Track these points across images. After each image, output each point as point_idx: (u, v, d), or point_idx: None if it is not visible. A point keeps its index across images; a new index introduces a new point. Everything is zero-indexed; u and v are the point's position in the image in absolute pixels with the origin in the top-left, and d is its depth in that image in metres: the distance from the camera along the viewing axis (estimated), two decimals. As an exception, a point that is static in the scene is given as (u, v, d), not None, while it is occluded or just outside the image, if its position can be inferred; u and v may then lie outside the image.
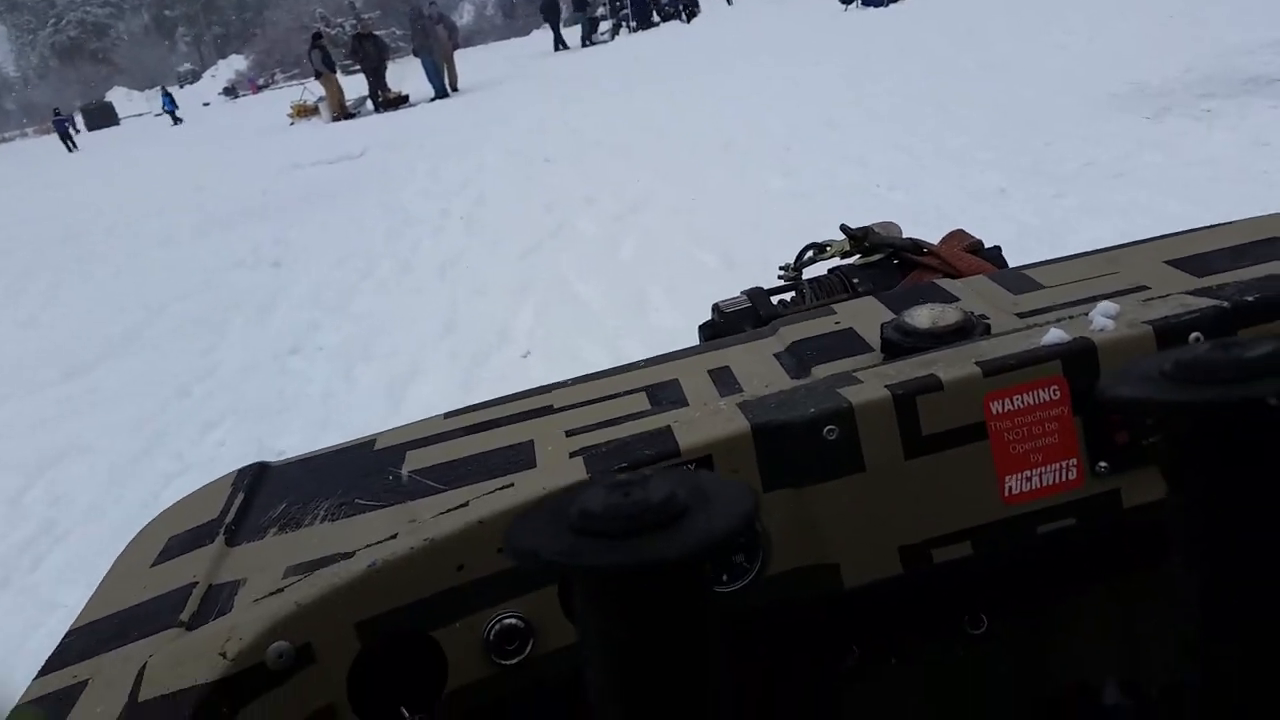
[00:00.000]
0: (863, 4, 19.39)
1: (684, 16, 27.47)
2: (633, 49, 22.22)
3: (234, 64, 76.47)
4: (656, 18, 28.22)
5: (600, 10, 33.31)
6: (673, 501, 0.40)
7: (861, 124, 7.62)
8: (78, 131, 40.70)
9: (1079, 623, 0.85)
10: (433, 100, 19.97)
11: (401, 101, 20.44)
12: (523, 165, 9.06)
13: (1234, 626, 0.42)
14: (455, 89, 21.03)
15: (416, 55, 20.60)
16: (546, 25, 29.30)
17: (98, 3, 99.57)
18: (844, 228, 1.36)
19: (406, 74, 22.15)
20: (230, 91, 60.81)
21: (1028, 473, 0.72)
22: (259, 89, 57.14)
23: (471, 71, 22.50)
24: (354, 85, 21.48)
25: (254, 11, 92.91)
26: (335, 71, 20.44)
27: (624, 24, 28.58)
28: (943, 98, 7.86)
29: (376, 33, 23.05)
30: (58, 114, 38.59)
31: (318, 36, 20.47)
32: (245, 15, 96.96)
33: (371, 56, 20.58)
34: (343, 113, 20.24)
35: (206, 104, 55.90)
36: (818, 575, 0.73)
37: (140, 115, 58.78)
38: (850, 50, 12.42)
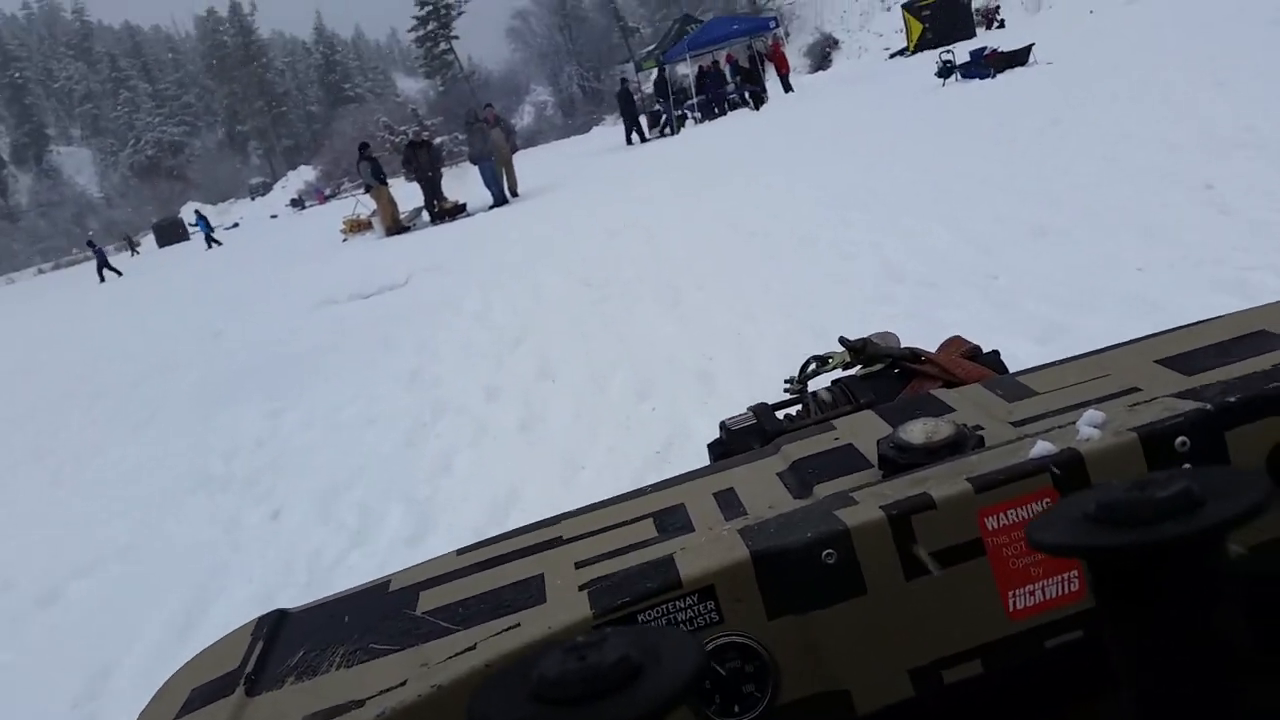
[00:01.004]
0: (962, 76, 17.25)
1: (751, 103, 25.66)
2: (694, 143, 20.32)
3: (303, 174, 77.27)
4: (718, 108, 26.45)
5: (658, 105, 31.92)
6: (625, 663, 0.42)
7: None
8: (136, 252, 39.38)
9: None
10: (491, 208, 18.22)
11: (459, 211, 18.71)
12: (595, 303, 6.91)
13: None
14: (515, 194, 19.30)
15: (474, 163, 18.91)
16: (615, 119, 27.83)
17: (174, 122, 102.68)
18: (843, 340, 1.35)
19: (465, 180, 20.52)
20: (298, 203, 60.83)
21: (1030, 586, 0.71)
22: (325, 199, 56.90)
23: (532, 174, 20.83)
24: (413, 194, 19.87)
25: (322, 123, 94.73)
26: (386, 184, 18.83)
27: (689, 115, 26.84)
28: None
29: (433, 139, 21.58)
30: (91, 244, 36.49)
31: (364, 147, 18.92)
32: (315, 127, 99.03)
33: (425, 165, 18.97)
34: (396, 226, 18.57)
35: (274, 216, 55.97)
36: (829, 703, 0.70)
37: (213, 229, 59.01)
38: (950, 145, 10.17)
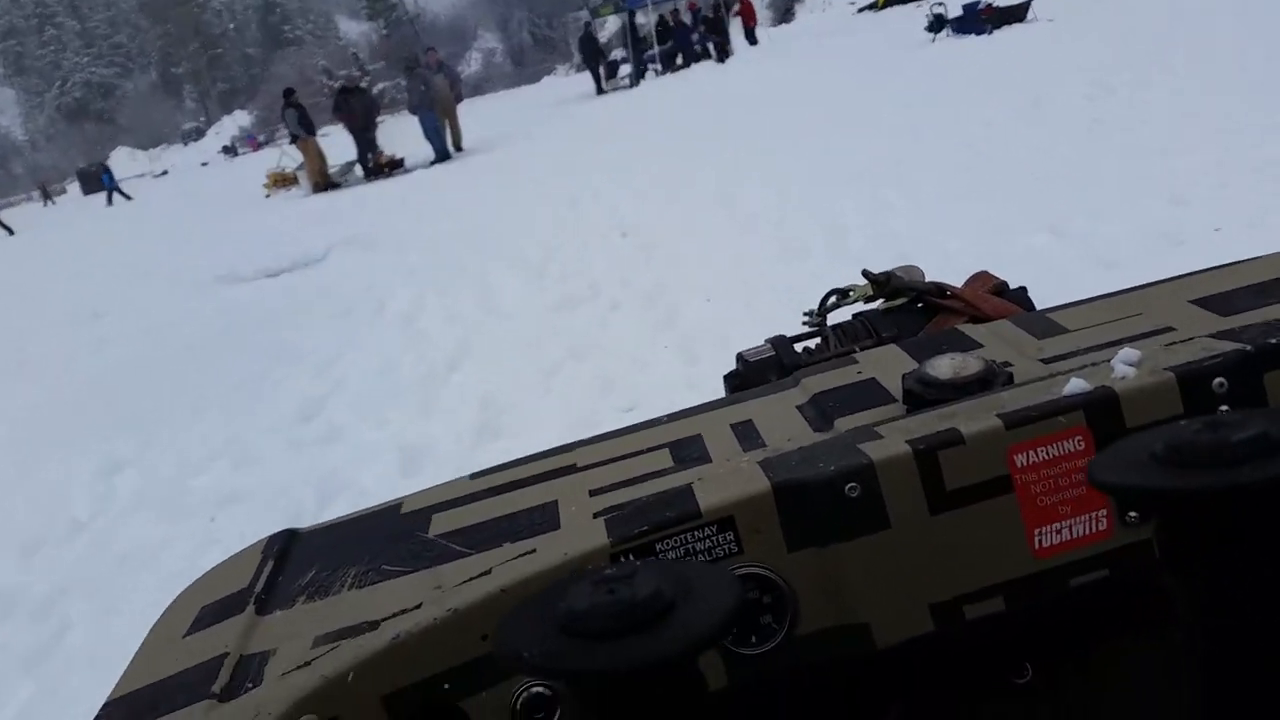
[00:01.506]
0: (954, 31, 15.60)
1: (716, 54, 23.74)
2: (659, 98, 18.47)
3: (239, 120, 73.28)
4: (681, 59, 24.44)
5: (617, 53, 29.65)
6: (657, 598, 0.41)
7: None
8: (52, 201, 35.85)
9: (1120, 673, 0.78)
10: (432, 164, 16.31)
11: (395, 166, 16.74)
12: (556, 310, 5.18)
13: (1233, 703, 0.43)
14: (459, 148, 17.38)
15: (413, 113, 16.90)
16: (567, 69, 25.82)
17: (104, 63, 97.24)
18: (866, 273, 1.27)
19: (405, 131, 18.44)
20: (230, 150, 57.43)
21: (1057, 525, 0.69)
22: (259, 146, 53.57)
23: (478, 125, 18.84)
24: (349, 145, 17.77)
25: (260, 67, 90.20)
26: (314, 134, 16.76)
27: (649, 66, 24.84)
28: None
29: (369, 85, 19.52)
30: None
31: (289, 93, 16.81)
32: (252, 70, 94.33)
33: (358, 114, 16.93)
34: (325, 182, 16.55)
35: (205, 164, 52.68)
36: (848, 635, 0.69)
37: (141, 176, 55.69)
38: (978, 112, 8.56)
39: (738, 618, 0.43)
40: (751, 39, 26.00)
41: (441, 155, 16.51)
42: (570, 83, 35.31)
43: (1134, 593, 0.72)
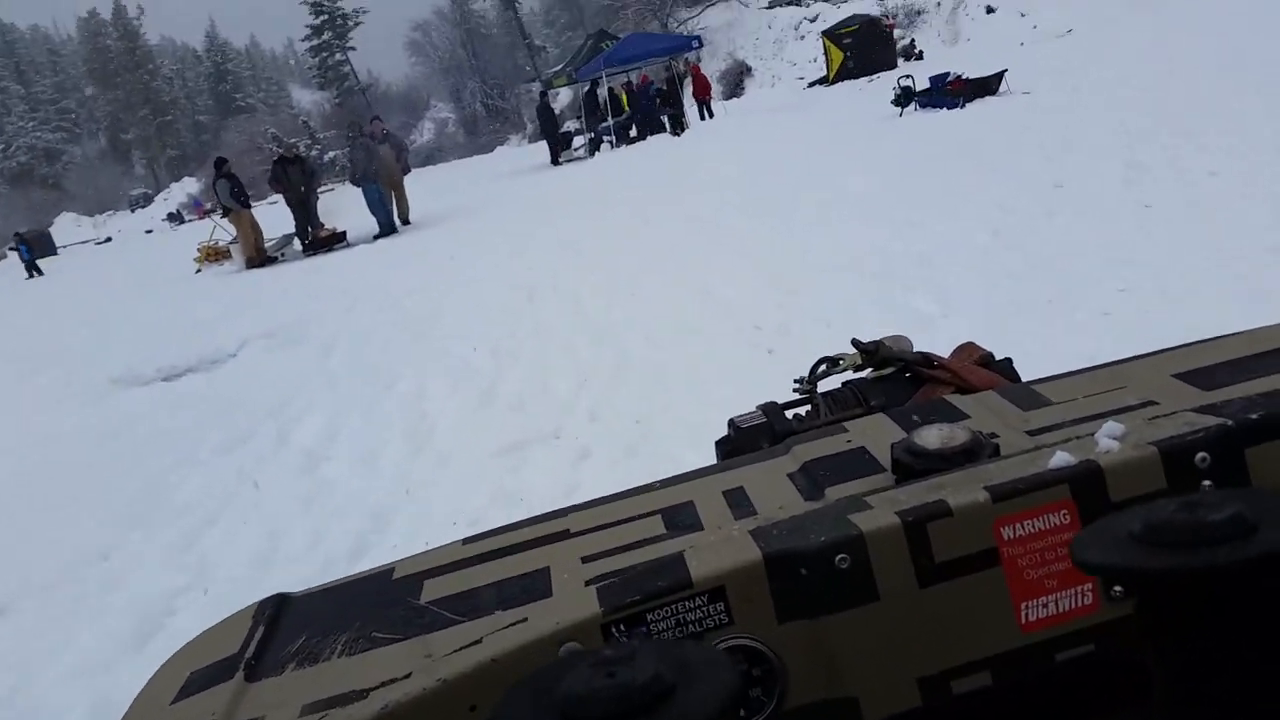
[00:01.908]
0: (922, 106, 14.84)
1: (670, 127, 22.94)
2: (618, 170, 17.52)
3: (186, 186, 71.43)
4: (635, 131, 23.52)
5: (570, 124, 28.82)
6: (658, 682, 0.40)
7: None
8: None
9: None
10: (376, 239, 15.13)
11: (337, 240, 15.50)
12: (509, 456, 3.94)
13: None
14: (407, 221, 16.23)
15: (356, 184, 15.74)
16: (519, 139, 24.97)
17: (50, 128, 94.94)
18: (855, 342, 1.30)
19: (352, 203, 17.23)
20: (175, 217, 55.71)
21: (1043, 599, 0.68)
22: (206, 213, 51.87)
23: (428, 196, 17.74)
24: (284, 219, 16.49)
25: (211, 134, 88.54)
26: (249, 206, 15.50)
27: (604, 138, 23.94)
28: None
29: (306, 153, 18.45)
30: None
31: (221, 163, 15.53)
32: (203, 137, 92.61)
33: (296, 185, 15.73)
34: (259, 256, 15.25)
35: (149, 231, 50.85)
36: (836, 709, 0.68)
37: (85, 243, 53.68)
38: (994, 194, 7.61)
39: (738, 702, 0.40)
40: (705, 112, 25.18)
41: (386, 229, 15.35)
42: (523, 152, 34.49)
43: (1118, 669, 0.71)
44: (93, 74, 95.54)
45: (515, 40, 73.92)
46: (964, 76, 14.76)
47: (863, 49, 30.63)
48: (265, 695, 0.68)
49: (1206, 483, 0.68)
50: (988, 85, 14.37)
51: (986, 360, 1.24)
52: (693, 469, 0.92)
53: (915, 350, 1.28)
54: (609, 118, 23.87)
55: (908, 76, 15.83)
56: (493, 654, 0.64)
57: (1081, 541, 0.46)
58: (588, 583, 0.71)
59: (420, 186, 18.66)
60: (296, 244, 15.95)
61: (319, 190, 16.38)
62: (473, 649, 0.66)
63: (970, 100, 14.13)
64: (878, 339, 1.30)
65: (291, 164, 15.95)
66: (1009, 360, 1.25)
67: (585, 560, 0.76)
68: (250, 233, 15.15)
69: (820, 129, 15.46)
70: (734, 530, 0.74)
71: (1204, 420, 0.72)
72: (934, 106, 14.58)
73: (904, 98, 15.20)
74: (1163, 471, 0.68)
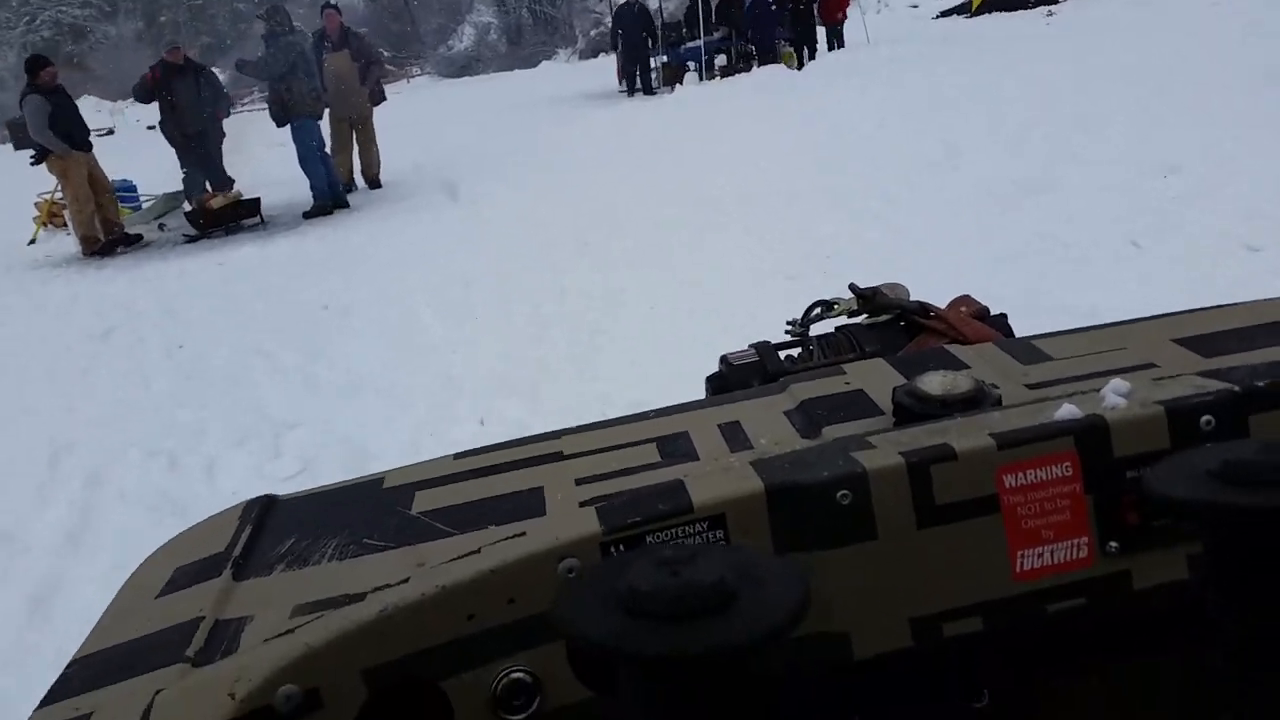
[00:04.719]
0: None
1: (792, 54, 15.37)
2: (735, 118, 10.26)
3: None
4: (750, 59, 15.74)
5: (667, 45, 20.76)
6: (723, 585, 0.38)
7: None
8: None
9: (1082, 707, 0.76)
10: (307, 216, 8.22)
11: (244, 215, 8.55)
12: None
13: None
14: (375, 183, 9.26)
15: (279, 123, 8.64)
16: (569, 54, 18.10)
17: (77, 3, 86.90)
18: (853, 287, 1.27)
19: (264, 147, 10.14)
20: (184, 112, 48.44)
21: (1039, 549, 0.67)
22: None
23: (435, 130, 10.65)
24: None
25: (248, 22, 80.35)
26: (86, 148, 8.49)
27: (687, 65, 16.37)
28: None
29: (205, 62, 11.54)
30: None
31: (37, 66, 8.34)
32: (240, 25, 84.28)
33: (189, 112, 8.76)
34: (106, 238, 8.37)
35: (151, 127, 43.79)
36: (826, 643, 0.67)
37: (99, 131, 46.72)
38: None
39: (805, 612, 0.40)
40: (835, 40, 17.14)
41: (324, 201, 8.33)
42: (573, 72, 26.79)
43: (1106, 626, 0.69)
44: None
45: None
46: None
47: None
48: (254, 594, 0.66)
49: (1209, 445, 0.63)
50: None
51: (982, 313, 1.21)
52: (684, 401, 0.88)
53: (912, 299, 1.24)
54: (698, 35, 16.21)
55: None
56: (491, 565, 0.62)
57: (1157, 476, 0.44)
58: (583, 504, 0.69)
59: (432, 108, 11.49)
60: (185, 211, 9.04)
61: (222, 117, 9.22)
62: (471, 559, 0.63)
63: None
64: (875, 285, 1.25)
65: (179, 74, 8.81)
66: (1004, 315, 1.22)
67: (579, 482, 0.74)
68: (83, 199, 8.11)
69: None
70: (733, 461, 0.72)
71: (1210, 384, 0.70)
72: None
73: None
74: (1168, 431, 0.66)
